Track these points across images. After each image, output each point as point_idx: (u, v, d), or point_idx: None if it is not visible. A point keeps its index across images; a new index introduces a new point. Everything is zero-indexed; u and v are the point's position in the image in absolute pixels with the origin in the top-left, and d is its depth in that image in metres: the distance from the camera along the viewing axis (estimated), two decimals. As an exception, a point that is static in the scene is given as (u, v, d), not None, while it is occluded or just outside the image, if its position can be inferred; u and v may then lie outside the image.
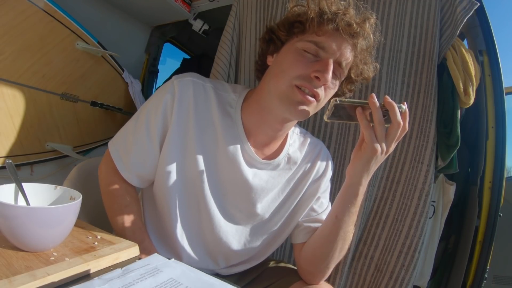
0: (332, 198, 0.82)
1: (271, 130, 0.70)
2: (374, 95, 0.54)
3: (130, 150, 0.69)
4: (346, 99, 0.54)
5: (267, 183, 0.73)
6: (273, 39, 0.69)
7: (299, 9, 0.65)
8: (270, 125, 0.69)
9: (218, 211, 0.71)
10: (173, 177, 0.68)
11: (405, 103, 0.56)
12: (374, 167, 0.60)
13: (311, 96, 0.62)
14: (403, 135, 0.58)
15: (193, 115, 0.67)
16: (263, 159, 0.72)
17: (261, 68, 0.74)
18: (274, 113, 0.67)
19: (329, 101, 0.67)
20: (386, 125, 0.56)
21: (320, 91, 0.62)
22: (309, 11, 0.62)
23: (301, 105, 0.62)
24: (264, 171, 0.73)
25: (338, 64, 0.63)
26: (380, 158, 0.58)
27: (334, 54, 0.62)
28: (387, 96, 0.55)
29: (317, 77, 0.60)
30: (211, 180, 0.69)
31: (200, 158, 0.68)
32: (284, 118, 0.67)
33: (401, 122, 0.55)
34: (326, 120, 0.56)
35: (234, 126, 0.70)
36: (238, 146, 0.69)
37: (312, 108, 0.64)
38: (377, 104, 0.54)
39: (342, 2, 0.63)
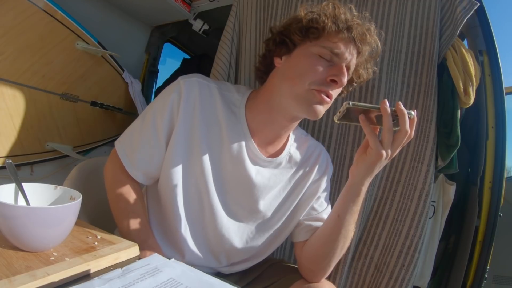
0: (332, 198, 0.82)
1: (279, 128, 0.73)
2: (386, 101, 0.55)
3: (136, 148, 0.70)
4: (359, 103, 0.54)
5: (270, 181, 0.74)
6: (286, 42, 0.71)
7: (312, 15, 0.68)
8: (278, 123, 0.72)
9: (221, 208, 0.72)
10: (178, 174, 0.69)
11: (415, 110, 0.57)
12: (377, 170, 0.62)
13: (326, 97, 0.66)
14: (408, 141, 0.59)
15: (198, 113, 0.69)
16: (266, 157, 0.73)
17: (266, 69, 0.77)
18: (284, 112, 0.70)
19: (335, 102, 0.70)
20: (393, 129, 0.57)
21: (335, 92, 0.67)
22: (325, 19, 0.65)
23: (319, 104, 0.66)
24: (266, 168, 0.74)
25: (347, 69, 0.67)
26: (384, 162, 0.60)
27: (346, 60, 0.66)
28: (399, 103, 0.56)
29: (334, 81, 0.64)
30: (215, 177, 0.70)
31: (205, 156, 0.69)
32: (294, 117, 0.71)
33: (409, 130, 0.56)
34: (336, 121, 0.57)
35: (239, 124, 0.72)
36: (243, 143, 0.71)
37: (326, 108, 0.69)
38: (389, 110, 0.55)
39: (355, 14, 0.68)
